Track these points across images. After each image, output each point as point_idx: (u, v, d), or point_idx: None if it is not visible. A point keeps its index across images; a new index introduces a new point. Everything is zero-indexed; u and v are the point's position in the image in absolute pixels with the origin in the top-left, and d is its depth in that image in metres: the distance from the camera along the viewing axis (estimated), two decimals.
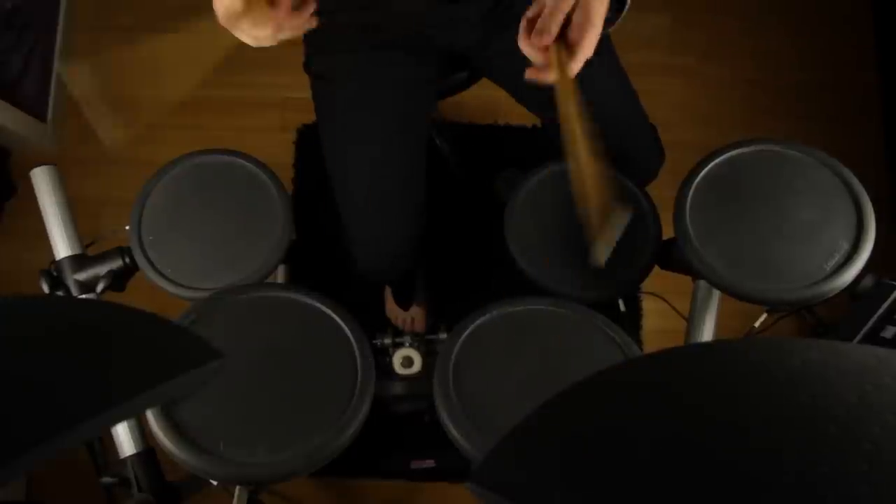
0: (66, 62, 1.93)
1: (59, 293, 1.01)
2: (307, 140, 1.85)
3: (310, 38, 1.07)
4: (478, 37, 1.03)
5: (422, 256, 1.27)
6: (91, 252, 1.05)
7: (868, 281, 0.93)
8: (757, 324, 1.07)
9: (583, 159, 0.80)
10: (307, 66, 1.09)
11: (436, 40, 1.03)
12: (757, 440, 0.23)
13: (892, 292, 0.92)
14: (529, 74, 0.78)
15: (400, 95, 1.05)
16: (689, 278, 1.07)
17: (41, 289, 1.01)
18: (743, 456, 0.22)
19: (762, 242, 0.91)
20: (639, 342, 1.70)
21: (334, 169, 1.11)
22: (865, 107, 1.92)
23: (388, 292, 1.66)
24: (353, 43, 0.92)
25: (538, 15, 0.75)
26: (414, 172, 1.12)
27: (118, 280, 1.03)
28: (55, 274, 1.02)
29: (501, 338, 0.85)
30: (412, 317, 1.64)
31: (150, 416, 0.75)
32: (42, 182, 1.04)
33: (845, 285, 0.89)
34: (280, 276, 1.33)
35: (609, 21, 0.78)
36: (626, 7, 0.93)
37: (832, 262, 0.88)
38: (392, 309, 1.67)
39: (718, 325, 1.08)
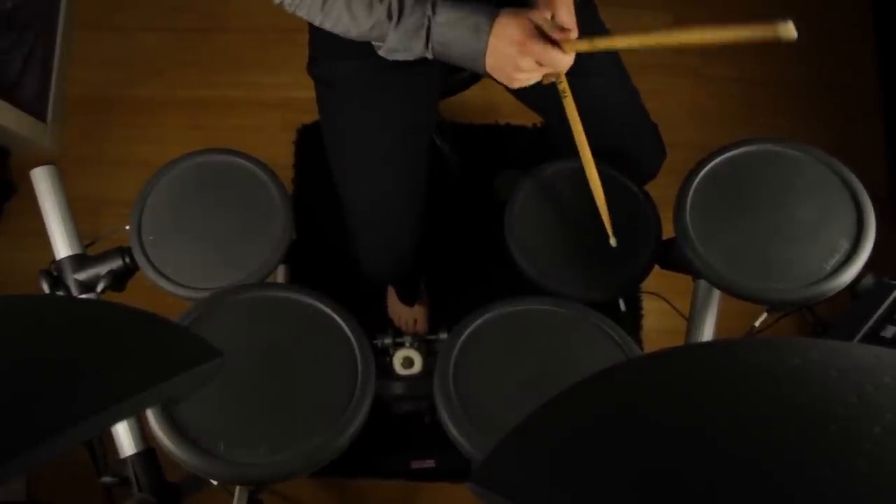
0: (66, 62, 1.93)
1: (60, 293, 1.01)
2: (307, 140, 1.85)
3: (315, 39, 1.07)
4: None
5: (424, 256, 1.27)
6: (91, 252, 1.05)
7: (868, 280, 0.93)
8: (757, 323, 1.07)
9: (587, 157, 0.91)
10: (311, 69, 1.09)
11: None
12: (757, 440, 0.23)
13: (892, 292, 0.91)
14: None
15: (404, 102, 1.05)
16: (689, 278, 1.07)
17: (41, 289, 1.00)
18: (743, 456, 0.22)
19: (762, 242, 0.91)
20: (639, 342, 1.70)
21: (339, 174, 1.11)
22: (866, 106, 1.92)
23: (390, 293, 1.66)
24: (358, 49, 0.92)
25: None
26: (418, 177, 1.13)
27: (118, 280, 1.03)
28: (55, 274, 1.02)
29: (501, 338, 0.85)
30: (415, 317, 1.64)
31: (151, 416, 0.75)
32: (42, 182, 1.04)
33: (845, 284, 0.89)
34: (280, 276, 1.33)
35: None
36: None
37: (832, 262, 0.88)
38: (394, 310, 1.66)
39: (718, 325, 1.08)
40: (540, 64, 0.84)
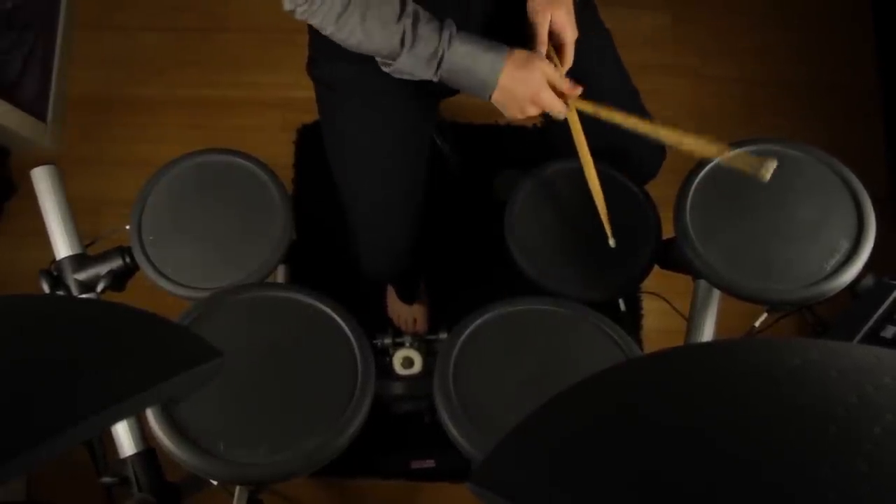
0: (66, 62, 1.93)
1: (60, 293, 1.01)
2: (307, 140, 1.85)
3: (314, 41, 1.07)
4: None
5: (424, 255, 1.27)
6: (91, 252, 1.05)
7: (868, 280, 0.93)
8: (757, 323, 1.07)
9: (586, 156, 0.93)
10: (310, 69, 1.09)
11: None
12: (757, 440, 0.23)
13: (892, 292, 0.91)
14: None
15: (405, 103, 1.05)
16: (689, 278, 1.07)
17: (41, 288, 1.00)
18: (742, 456, 0.22)
19: (762, 242, 0.91)
20: (639, 342, 1.70)
21: (339, 174, 1.12)
22: (866, 106, 1.92)
23: (390, 292, 1.66)
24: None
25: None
26: (418, 177, 1.14)
27: (118, 280, 1.03)
28: (55, 274, 1.02)
29: (501, 338, 0.85)
30: (414, 317, 1.64)
31: (151, 416, 0.75)
32: (42, 182, 1.04)
33: (845, 285, 0.89)
34: (280, 276, 1.33)
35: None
36: None
37: (832, 262, 0.88)
38: (394, 309, 1.66)
39: (718, 325, 1.08)
40: (543, 111, 0.89)
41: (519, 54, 0.87)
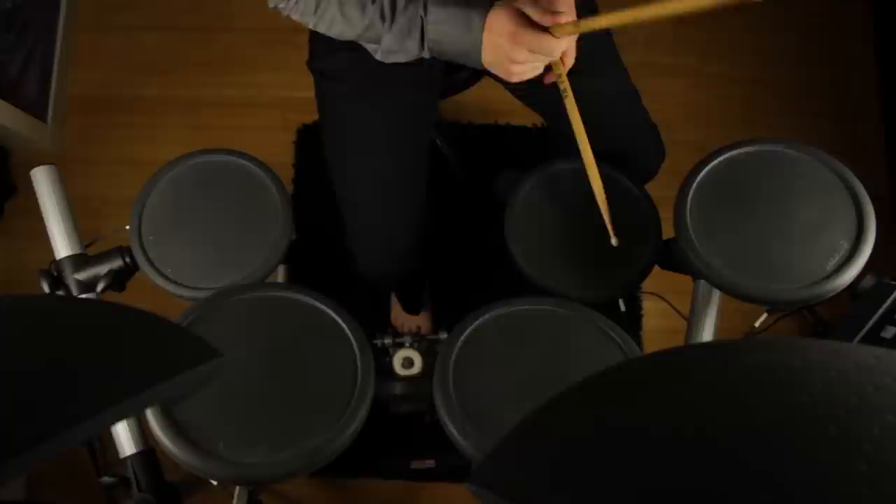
0: (66, 62, 1.93)
1: (60, 293, 1.01)
2: (307, 140, 1.85)
3: (315, 33, 1.07)
4: None
5: (427, 260, 1.26)
6: (91, 252, 1.05)
7: (868, 281, 0.92)
8: (757, 323, 1.07)
9: (588, 156, 0.92)
10: (311, 63, 1.08)
11: None
12: (757, 440, 0.23)
13: (892, 292, 0.91)
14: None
15: (406, 94, 1.05)
16: (689, 278, 1.06)
17: (41, 288, 1.00)
18: (743, 456, 0.22)
19: (762, 242, 0.91)
20: (639, 342, 1.70)
21: (337, 169, 1.10)
22: (866, 106, 1.92)
23: (394, 300, 1.66)
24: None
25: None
26: (418, 173, 1.13)
27: (118, 280, 1.03)
28: (55, 273, 1.02)
29: (502, 338, 0.85)
30: (419, 325, 1.64)
31: (150, 415, 0.75)
32: (42, 182, 1.04)
33: (846, 285, 0.89)
34: (280, 276, 1.33)
35: None
36: None
37: (832, 262, 0.88)
38: (398, 316, 1.66)
39: (719, 325, 1.08)
40: (533, 52, 0.83)
41: (498, 6, 0.84)
